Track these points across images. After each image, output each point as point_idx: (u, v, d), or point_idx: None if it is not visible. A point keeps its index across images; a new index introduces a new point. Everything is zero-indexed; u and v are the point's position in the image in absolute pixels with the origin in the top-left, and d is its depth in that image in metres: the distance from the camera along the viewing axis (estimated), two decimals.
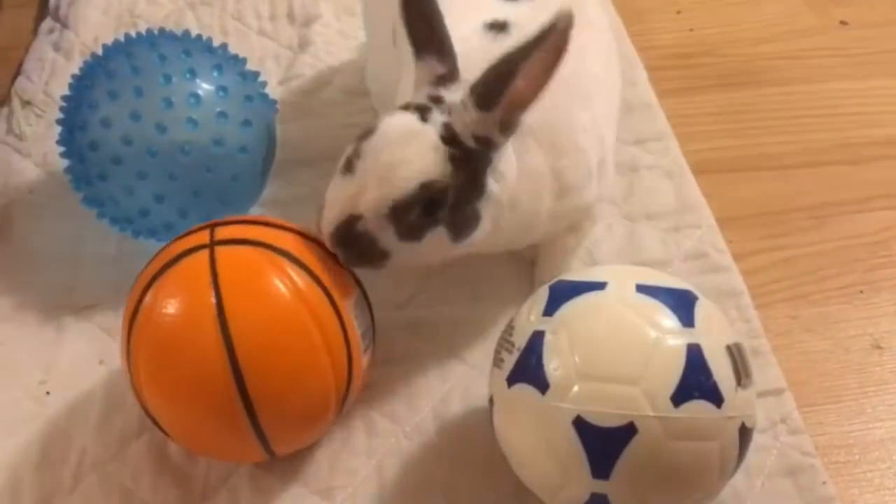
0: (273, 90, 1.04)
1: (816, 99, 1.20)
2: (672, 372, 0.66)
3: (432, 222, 0.74)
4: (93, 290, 0.96)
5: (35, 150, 1.09)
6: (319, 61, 1.22)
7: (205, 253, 0.73)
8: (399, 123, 0.74)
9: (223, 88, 0.90)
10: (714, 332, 0.69)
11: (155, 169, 0.87)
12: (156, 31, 0.95)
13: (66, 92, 0.95)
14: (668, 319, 0.68)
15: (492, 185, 0.76)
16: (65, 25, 1.26)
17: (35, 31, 1.28)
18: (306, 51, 1.23)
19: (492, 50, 0.73)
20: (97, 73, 0.91)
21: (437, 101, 0.75)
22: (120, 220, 0.93)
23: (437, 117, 0.74)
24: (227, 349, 0.69)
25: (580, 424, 0.66)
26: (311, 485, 0.81)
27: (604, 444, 0.65)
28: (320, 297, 0.73)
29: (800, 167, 1.12)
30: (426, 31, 0.76)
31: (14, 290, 0.96)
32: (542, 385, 0.68)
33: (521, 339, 0.71)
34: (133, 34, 0.95)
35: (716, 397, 0.66)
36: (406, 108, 0.76)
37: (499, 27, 0.83)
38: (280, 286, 0.71)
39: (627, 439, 0.65)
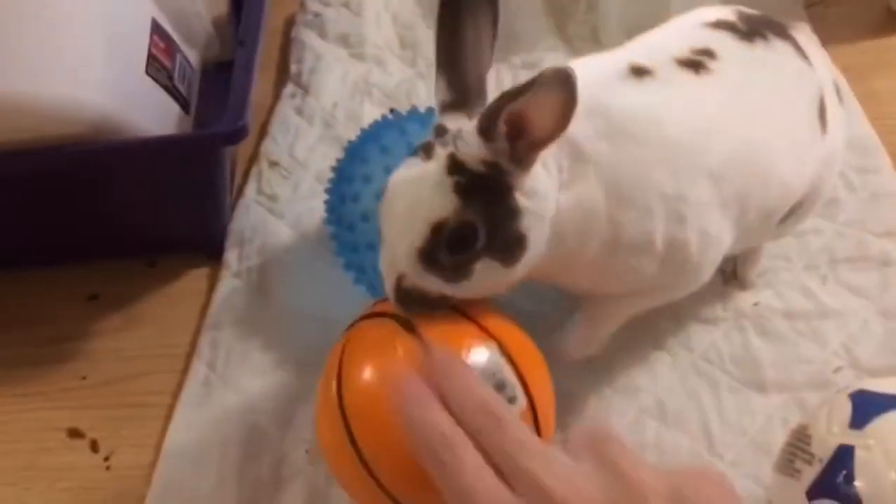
0: None
1: None
2: None
3: (473, 257, 0.69)
4: None
5: (287, 212, 1.16)
6: None
7: (347, 331, 0.78)
8: (403, 173, 0.71)
9: None
10: None
11: None
12: (422, 110, 1.00)
13: (334, 164, 1.00)
14: None
15: (522, 201, 0.69)
16: (306, 91, 1.33)
17: (275, 94, 1.36)
18: None
19: (605, 89, 0.74)
20: (371, 148, 0.95)
21: (441, 132, 0.71)
22: (377, 288, 0.97)
23: (440, 151, 0.70)
24: (342, 415, 0.71)
25: None
26: None
27: None
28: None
29: None
30: (447, 47, 0.72)
31: (273, 347, 1.01)
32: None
33: (822, 451, 0.69)
34: (403, 112, 0.99)
35: None
36: (413, 153, 0.73)
37: (638, 72, 0.77)
38: (385, 356, 0.71)
39: None
